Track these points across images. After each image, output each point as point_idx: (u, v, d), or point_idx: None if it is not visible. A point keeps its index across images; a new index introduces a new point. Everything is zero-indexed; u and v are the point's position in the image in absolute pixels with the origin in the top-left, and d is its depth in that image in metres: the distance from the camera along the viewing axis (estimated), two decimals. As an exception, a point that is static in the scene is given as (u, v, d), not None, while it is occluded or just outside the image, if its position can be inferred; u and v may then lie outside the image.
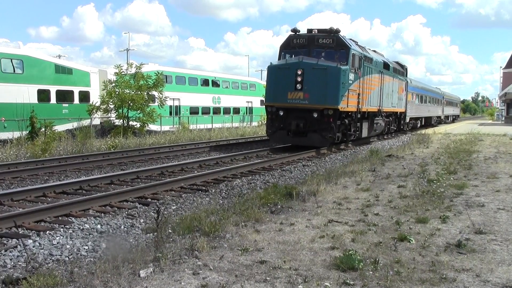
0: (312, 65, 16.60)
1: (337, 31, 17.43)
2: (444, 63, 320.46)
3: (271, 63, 18.02)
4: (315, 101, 16.60)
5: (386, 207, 7.60)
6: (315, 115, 16.69)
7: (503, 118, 57.21)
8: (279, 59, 18.30)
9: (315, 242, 5.58)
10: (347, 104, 17.33)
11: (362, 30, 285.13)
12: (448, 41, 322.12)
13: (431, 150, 17.40)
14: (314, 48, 17.44)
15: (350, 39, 18.88)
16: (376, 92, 21.39)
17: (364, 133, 20.44)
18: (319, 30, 17.81)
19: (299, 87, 16.63)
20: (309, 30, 18.08)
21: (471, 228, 6.25)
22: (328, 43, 17.36)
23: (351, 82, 17.56)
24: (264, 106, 19.66)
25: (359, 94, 18.53)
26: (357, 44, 19.41)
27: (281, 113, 17.22)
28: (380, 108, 22.30)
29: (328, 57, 17.17)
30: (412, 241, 5.62)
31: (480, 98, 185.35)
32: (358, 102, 18.58)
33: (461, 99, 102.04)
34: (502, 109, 63.85)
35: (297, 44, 17.85)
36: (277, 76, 17.22)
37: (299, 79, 16.60)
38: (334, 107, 16.64)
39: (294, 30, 18.10)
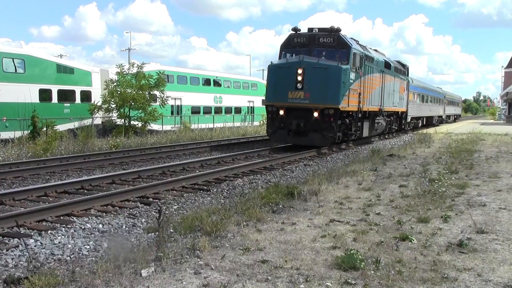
0: (312, 64, 16.50)
1: (338, 30, 17.31)
2: (446, 63, 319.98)
3: (271, 62, 17.95)
4: (315, 101, 16.51)
5: (388, 206, 7.59)
6: (316, 114, 16.60)
7: (504, 118, 57.10)
8: (279, 58, 18.19)
9: (317, 242, 5.58)
10: (348, 103, 17.25)
11: (364, 29, 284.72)
12: (450, 41, 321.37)
13: (433, 150, 17.38)
14: (315, 47, 17.32)
15: (351, 38, 18.79)
16: (377, 92, 21.29)
17: (365, 133, 20.34)
18: (320, 29, 17.71)
19: (300, 87, 16.54)
20: (310, 29, 17.98)
21: (472, 227, 6.24)
22: (329, 42, 17.26)
23: (352, 81, 17.46)
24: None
25: (360, 94, 18.43)
26: (358, 43, 19.30)
27: (282, 113, 17.12)
28: (381, 107, 22.20)
29: (329, 56, 17.05)
30: (413, 240, 5.62)
31: (481, 97, 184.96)
32: (359, 102, 18.48)
33: (463, 99, 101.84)
34: (503, 109, 63.70)
35: (297, 43, 17.73)
36: (278, 76, 17.15)
37: (299, 78, 16.49)
38: (334, 107, 16.55)
39: (295, 29, 17.98)
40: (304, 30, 18.20)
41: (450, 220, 6.63)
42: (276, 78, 17.23)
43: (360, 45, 19.54)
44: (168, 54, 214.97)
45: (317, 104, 16.55)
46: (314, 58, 16.77)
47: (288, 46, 18.04)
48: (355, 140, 19.91)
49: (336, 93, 16.51)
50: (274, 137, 17.96)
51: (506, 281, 4.43)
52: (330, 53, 17.15)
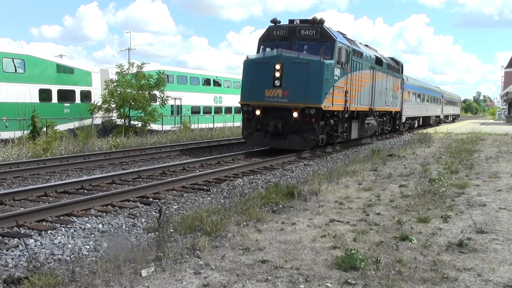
0: (292, 59, 14.88)
1: (321, 21, 15.77)
2: (446, 63, 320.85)
3: (247, 56, 16.17)
4: (295, 99, 14.96)
5: (388, 206, 7.59)
6: (295, 115, 15.03)
7: (504, 118, 57.12)
8: (257, 52, 16.49)
9: (317, 242, 5.58)
10: (332, 102, 15.74)
11: (365, 29, 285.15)
12: (451, 41, 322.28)
13: (433, 150, 17.37)
14: (296, 40, 15.74)
15: (338, 31, 17.41)
16: (367, 90, 19.67)
17: (354, 135, 18.85)
18: (302, 21, 16.15)
19: (278, 84, 14.93)
20: (291, 21, 16.31)
21: (472, 227, 6.24)
22: (311, 35, 15.66)
23: (336, 78, 15.91)
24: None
25: (346, 92, 16.92)
26: (345, 37, 17.73)
27: (258, 113, 15.58)
28: (372, 107, 20.60)
29: (311, 50, 15.44)
30: (413, 240, 5.62)
31: (481, 97, 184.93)
32: (346, 101, 16.94)
33: (463, 99, 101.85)
34: (503, 109, 63.72)
35: (277, 36, 16.09)
36: (254, 72, 15.57)
37: (277, 74, 14.87)
38: (316, 106, 14.96)
39: (274, 21, 16.34)
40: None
41: (450, 220, 6.63)
42: (252, 74, 15.65)
43: (347, 39, 17.92)
44: (168, 54, 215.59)
45: (297, 103, 14.98)
46: (294, 53, 15.18)
47: (267, 39, 16.38)
48: (342, 142, 18.53)
49: (318, 91, 14.93)
50: (250, 140, 16.49)
51: (506, 281, 4.43)
52: (312, 47, 15.50)
